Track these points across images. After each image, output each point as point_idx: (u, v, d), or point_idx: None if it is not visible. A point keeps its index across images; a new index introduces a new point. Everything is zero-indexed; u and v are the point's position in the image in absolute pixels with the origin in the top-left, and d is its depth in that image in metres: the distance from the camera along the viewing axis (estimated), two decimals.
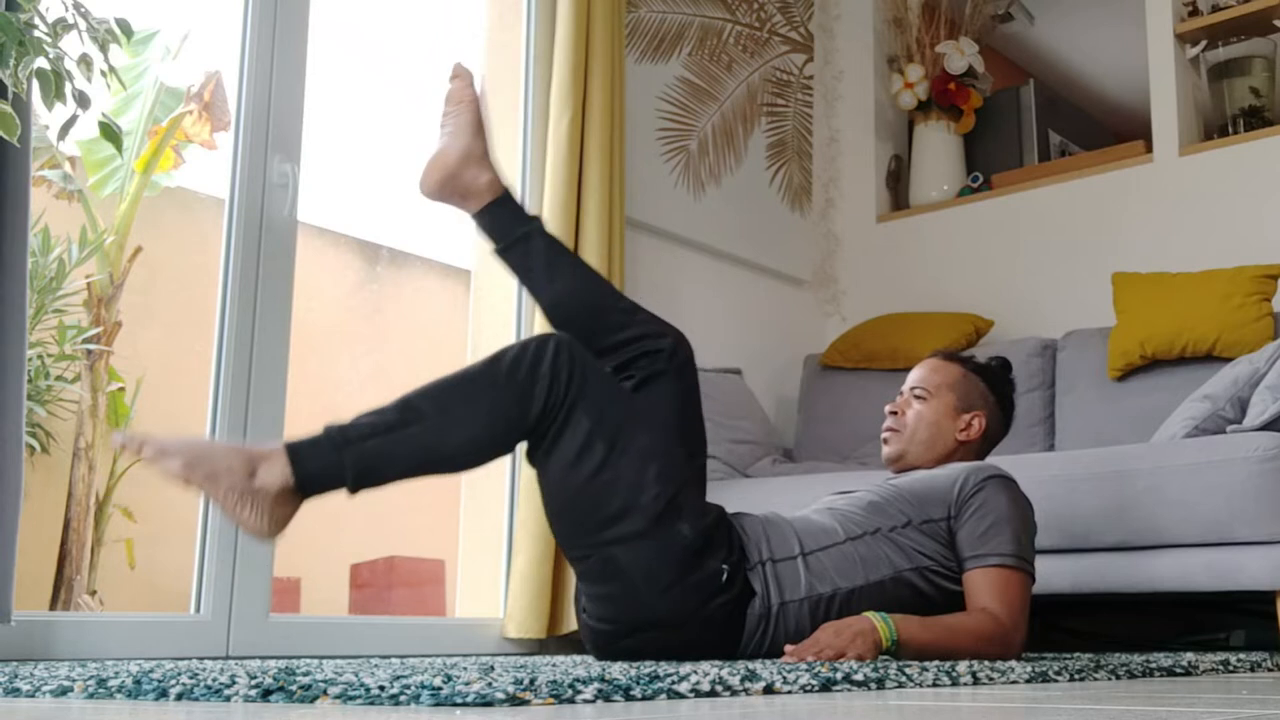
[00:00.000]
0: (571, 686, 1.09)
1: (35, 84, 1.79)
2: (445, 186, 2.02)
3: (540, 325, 3.00)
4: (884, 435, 2.29)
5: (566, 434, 1.86)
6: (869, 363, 3.68)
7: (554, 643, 2.97)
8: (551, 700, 1.04)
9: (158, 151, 3.82)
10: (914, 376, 2.33)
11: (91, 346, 3.62)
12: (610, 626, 1.94)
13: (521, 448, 1.94)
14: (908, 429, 2.26)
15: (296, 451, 1.76)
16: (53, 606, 3.42)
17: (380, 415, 1.80)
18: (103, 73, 1.82)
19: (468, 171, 2.01)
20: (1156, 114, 3.66)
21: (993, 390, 2.30)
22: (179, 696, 1.14)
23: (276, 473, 1.73)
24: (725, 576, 1.90)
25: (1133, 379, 3.22)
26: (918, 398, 2.28)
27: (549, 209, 3.06)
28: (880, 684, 1.31)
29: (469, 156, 2.01)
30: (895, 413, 2.28)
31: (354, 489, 1.79)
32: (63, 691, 1.20)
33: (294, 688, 1.11)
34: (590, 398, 1.87)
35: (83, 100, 1.81)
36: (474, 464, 1.90)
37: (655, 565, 1.87)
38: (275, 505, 1.74)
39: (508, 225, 2.03)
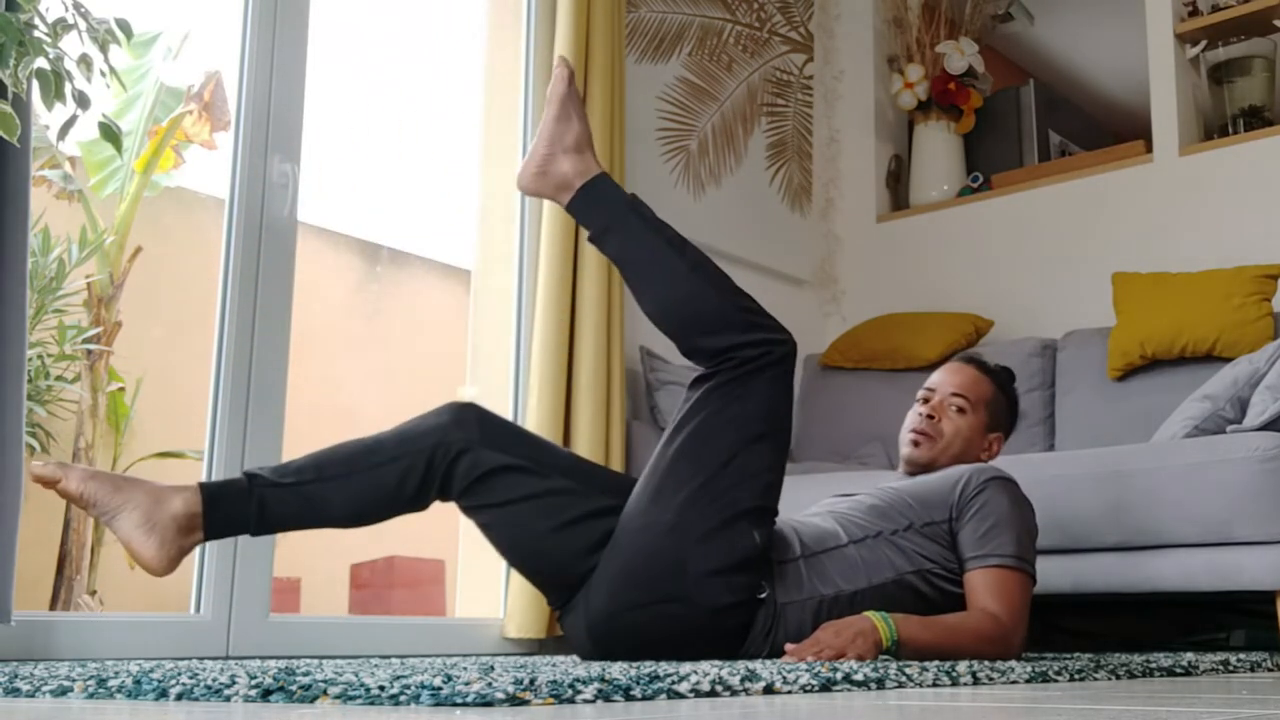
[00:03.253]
0: (571, 686, 1.09)
1: (35, 84, 1.78)
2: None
3: (539, 326, 3.01)
4: (914, 437, 2.21)
5: (743, 399, 1.91)
6: (869, 363, 3.68)
7: (554, 643, 2.97)
8: (551, 700, 1.04)
9: (158, 151, 3.82)
10: (953, 382, 2.25)
11: (91, 346, 3.62)
12: (630, 593, 1.88)
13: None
14: (944, 438, 2.21)
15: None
16: (53, 606, 3.42)
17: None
18: (103, 73, 1.82)
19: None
20: (1156, 114, 3.66)
21: (1010, 413, 2.30)
22: (179, 696, 1.14)
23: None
24: (764, 595, 1.90)
25: (1133, 379, 3.22)
26: (959, 409, 2.22)
27: (549, 209, 3.06)
28: (880, 684, 1.31)
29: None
30: (932, 417, 2.22)
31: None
32: (63, 691, 1.20)
33: (294, 688, 1.11)
34: (777, 390, 1.94)
35: (83, 100, 1.81)
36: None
37: (716, 548, 1.86)
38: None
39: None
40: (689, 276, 1.97)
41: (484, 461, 1.90)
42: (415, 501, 1.91)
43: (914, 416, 2.24)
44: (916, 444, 2.21)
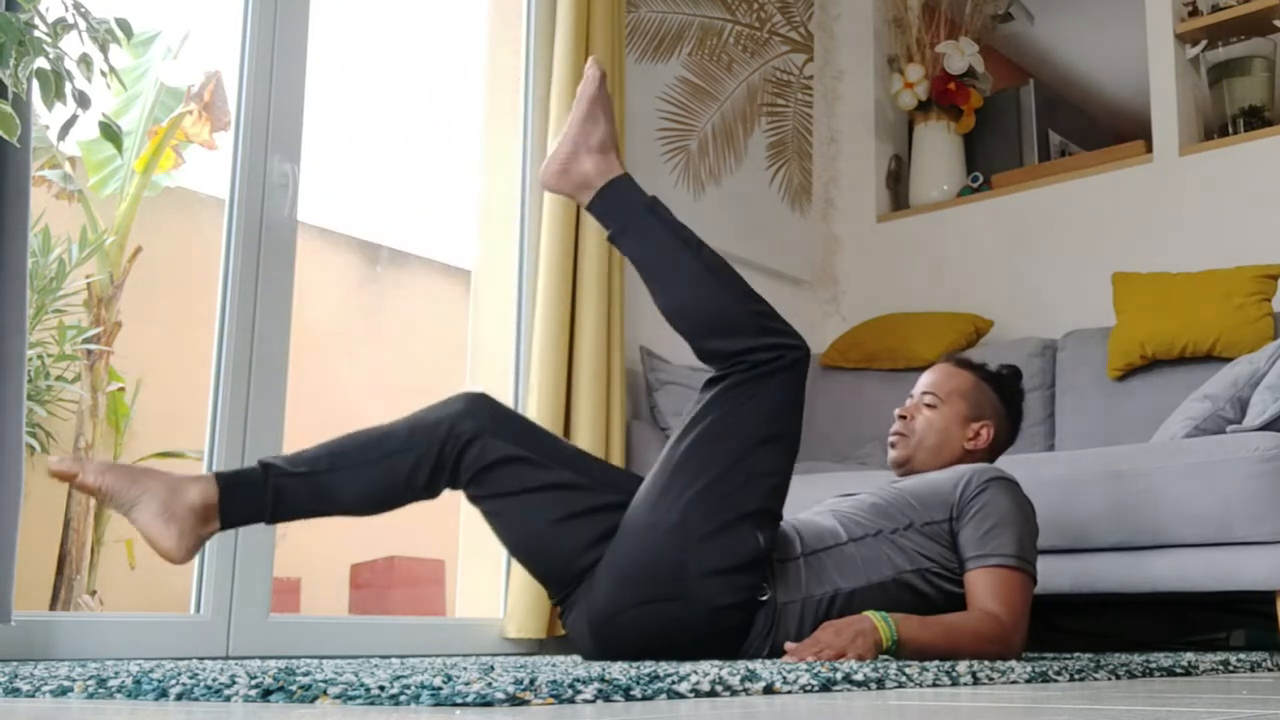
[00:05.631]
0: (571, 686, 1.09)
1: (35, 84, 1.78)
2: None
3: (539, 326, 3.01)
4: (891, 439, 2.28)
5: (757, 399, 1.94)
6: (869, 363, 3.68)
7: (554, 643, 2.97)
8: (551, 700, 1.04)
9: (158, 151, 3.82)
10: (925, 381, 2.31)
11: (91, 346, 3.62)
12: (628, 592, 1.88)
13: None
14: (916, 435, 2.25)
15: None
16: (53, 606, 3.42)
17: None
18: (103, 73, 1.82)
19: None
20: (1156, 114, 3.66)
21: (1003, 400, 2.29)
22: (179, 696, 1.14)
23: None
24: (764, 597, 1.91)
25: (1133, 379, 3.22)
26: (928, 405, 2.26)
27: (549, 209, 3.06)
28: (880, 684, 1.31)
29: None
30: (904, 417, 2.27)
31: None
32: (63, 691, 1.20)
33: (294, 688, 1.11)
34: (789, 392, 1.97)
35: (83, 100, 1.81)
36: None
37: (718, 548, 1.87)
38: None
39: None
40: (704, 278, 1.98)
41: (491, 451, 1.92)
42: (427, 490, 1.94)
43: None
44: (893, 445, 2.28)
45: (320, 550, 4.15)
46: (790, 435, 2.00)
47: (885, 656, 1.82)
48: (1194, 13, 3.68)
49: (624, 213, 2.02)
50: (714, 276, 1.99)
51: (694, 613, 1.87)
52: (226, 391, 2.52)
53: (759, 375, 1.94)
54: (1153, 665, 1.81)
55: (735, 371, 1.95)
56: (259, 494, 1.83)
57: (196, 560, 2.47)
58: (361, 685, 1.10)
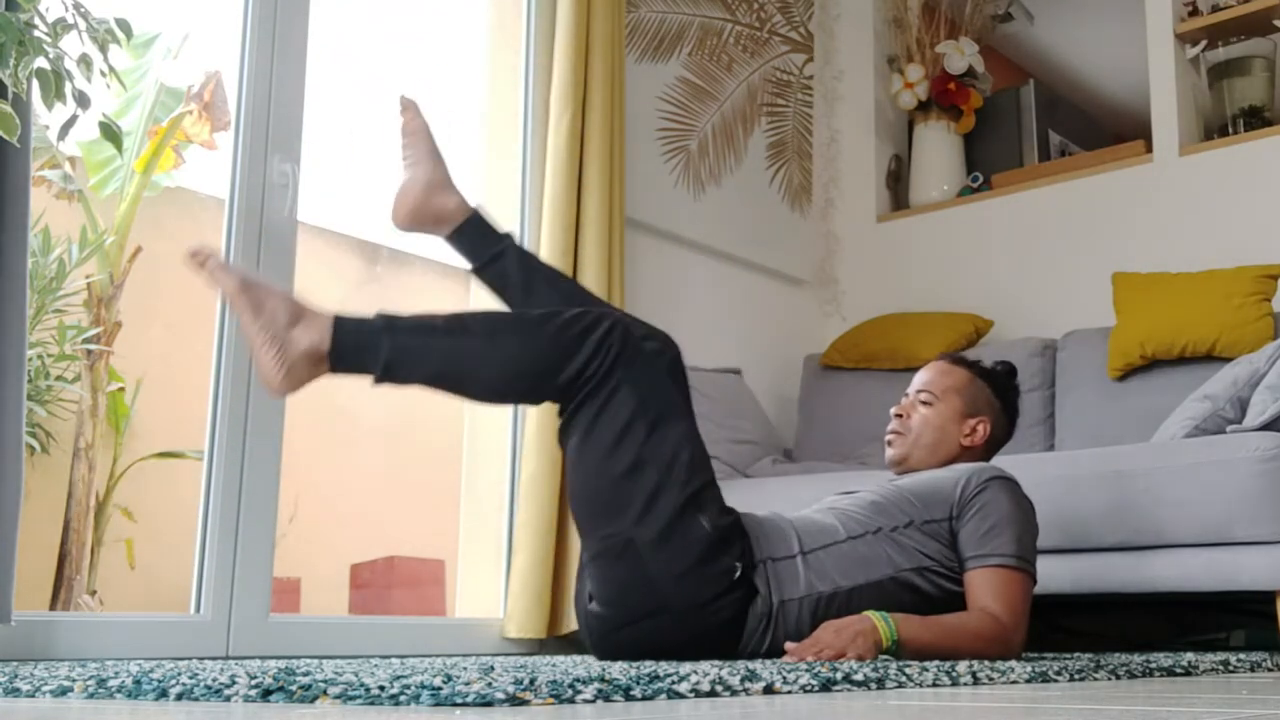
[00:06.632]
0: (571, 686, 1.09)
1: (35, 84, 1.78)
2: (415, 216, 2.06)
3: None
4: (888, 438, 2.28)
5: (608, 411, 1.89)
6: (869, 363, 3.68)
7: (554, 643, 2.97)
8: (551, 700, 1.04)
9: (158, 151, 3.82)
10: (920, 379, 2.32)
11: (91, 346, 3.62)
12: (613, 612, 1.93)
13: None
14: (912, 433, 2.26)
15: (342, 321, 1.81)
16: (53, 606, 3.42)
17: (431, 318, 1.87)
18: (103, 73, 1.82)
19: (434, 199, 2.05)
20: (1156, 114, 3.66)
21: (998, 396, 2.30)
22: (179, 696, 1.14)
23: (315, 332, 1.78)
24: (738, 574, 1.91)
25: (1133, 379, 3.22)
26: (924, 402, 2.27)
27: (549, 209, 3.06)
28: (880, 684, 1.31)
29: (432, 184, 2.05)
30: (900, 415, 2.28)
31: (380, 379, 1.83)
32: (63, 691, 1.20)
33: (294, 688, 1.11)
34: (637, 379, 1.90)
35: (83, 100, 1.81)
36: (494, 399, 1.99)
37: (673, 551, 1.87)
38: (300, 362, 1.78)
39: (480, 245, 2.08)
40: (492, 347, 1.91)
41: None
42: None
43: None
44: (890, 443, 2.28)
45: (320, 550, 4.15)
46: (664, 406, 1.93)
47: (885, 656, 1.82)
48: (1194, 13, 3.68)
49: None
50: (497, 338, 1.92)
51: (684, 619, 1.89)
52: (226, 391, 2.52)
53: (597, 384, 1.89)
54: (1153, 665, 1.81)
55: (576, 398, 1.91)
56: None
57: (196, 560, 2.47)
58: (361, 685, 1.10)
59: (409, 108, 2.12)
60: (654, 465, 1.89)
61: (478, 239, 2.08)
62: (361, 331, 1.81)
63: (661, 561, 1.87)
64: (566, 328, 1.89)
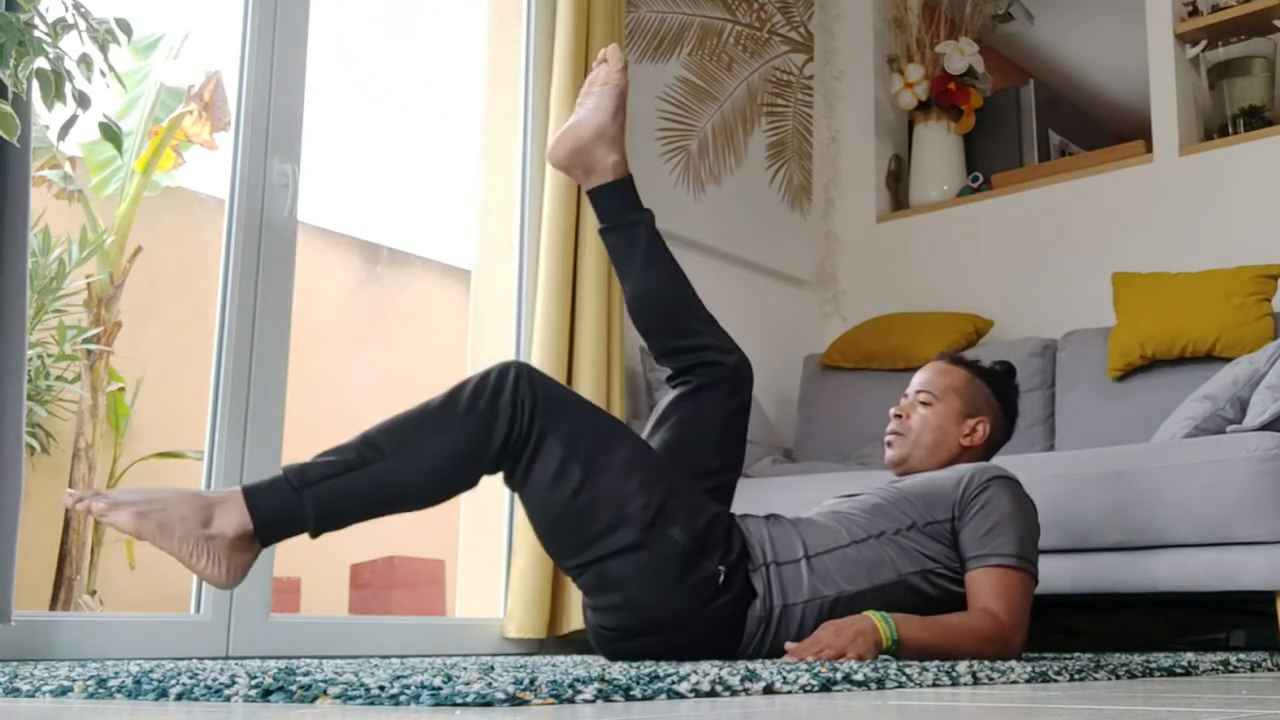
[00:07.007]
0: (571, 686, 1.09)
1: (35, 84, 1.78)
2: (574, 157, 2.08)
3: (539, 326, 3.01)
4: (888, 439, 2.28)
5: (540, 460, 1.85)
6: (869, 363, 3.68)
7: (554, 643, 2.97)
8: (551, 700, 1.04)
9: (158, 152, 3.82)
10: (919, 380, 2.32)
11: (91, 346, 3.62)
12: (615, 630, 1.95)
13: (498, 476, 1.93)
14: (912, 433, 2.25)
15: (254, 496, 1.72)
16: (53, 606, 3.42)
17: (340, 454, 1.77)
18: (103, 73, 1.82)
19: (599, 148, 2.08)
20: (1156, 114, 3.66)
21: (998, 396, 2.30)
22: (179, 696, 1.14)
23: (233, 519, 1.69)
24: (722, 578, 1.90)
25: (1133, 379, 3.22)
26: (923, 403, 2.26)
27: (549, 209, 3.06)
28: (880, 684, 1.31)
29: (602, 134, 2.07)
30: (900, 416, 2.28)
31: (316, 532, 1.75)
32: (63, 691, 1.20)
33: (294, 688, 1.11)
34: (558, 423, 1.86)
35: (83, 100, 1.81)
36: (436, 499, 1.85)
37: (651, 573, 1.87)
38: (232, 553, 1.70)
39: (620, 208, 2.10)
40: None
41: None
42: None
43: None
44: (890, 444, 2.28)
45: (320, 550, 4.14)
46: (595, 435, 1.90)
47: (885, 656, 1.82)
48: (1194, 13, 3.68)
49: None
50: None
51: (677, 630, 1.90)
52: (226, 391, 2.52)
53: (521, 436, 1.85)
54: (1153, 665, 1.81)
55: (516, 454, 1.86)
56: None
57: None
58: (361, 685, 1.10)
59: (613, 60, 2.11)
60: (603, 505, 1.85)
61: (620, 201, 2.09)
62: (276, 499, 1.71)
63: (643, 586, 1.87)
64: (474, 402, 1.82)
